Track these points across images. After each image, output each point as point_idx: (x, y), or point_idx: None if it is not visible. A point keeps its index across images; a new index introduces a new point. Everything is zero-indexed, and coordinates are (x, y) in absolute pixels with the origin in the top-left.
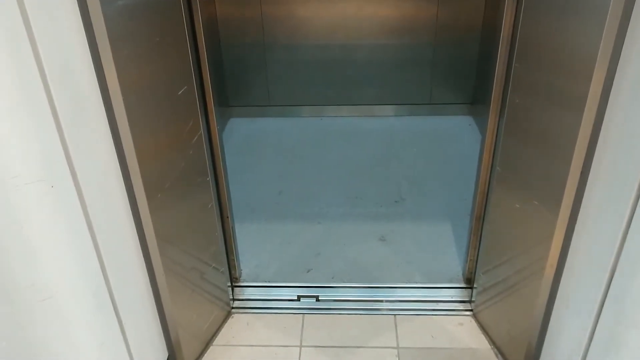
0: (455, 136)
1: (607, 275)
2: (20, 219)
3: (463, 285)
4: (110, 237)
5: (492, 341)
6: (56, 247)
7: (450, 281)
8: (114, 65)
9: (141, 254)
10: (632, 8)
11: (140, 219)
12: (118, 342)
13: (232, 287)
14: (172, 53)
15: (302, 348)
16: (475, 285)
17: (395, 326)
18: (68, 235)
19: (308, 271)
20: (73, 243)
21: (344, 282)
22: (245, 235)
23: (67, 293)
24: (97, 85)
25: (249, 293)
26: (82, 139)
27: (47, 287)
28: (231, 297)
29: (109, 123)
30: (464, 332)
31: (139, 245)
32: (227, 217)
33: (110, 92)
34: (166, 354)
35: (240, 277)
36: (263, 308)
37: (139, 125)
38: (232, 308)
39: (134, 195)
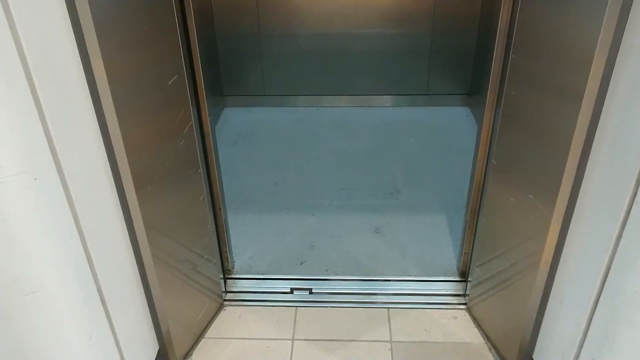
0: (452, 127)
1: (602, 271)
2: (3, 212)
3: (457, 278)
4: (97, 229)
5: (485, 335)
6: (40, 240)
7: (445, 274)
8: (100, 55)
9: (130, 246)
10: None
11: (129, 211)
12: (106, 336)
13: (225, 279)
14: (161, 42)
15: (295, 341)
16: (469, 279)
17: (389, 320)
18: (53, 228)
19: (302, 263)
20: (58, 236)
21: (337, 274)
22: (239, 227)
23: (52, 287)
24: (84, 75)
25: (242, 285)
26: (68, 130)
27: (31, 281)
28: (223, 289)
29: (96, 114)
30: (457, 325)
31: (128, 237)
32: (220, 208)
33: (97, 82)
34: (157, 347)
35: (232, 269)
36: (256, 300)
37: (127, 115)
38: (225, 300)
39: (123, 187)
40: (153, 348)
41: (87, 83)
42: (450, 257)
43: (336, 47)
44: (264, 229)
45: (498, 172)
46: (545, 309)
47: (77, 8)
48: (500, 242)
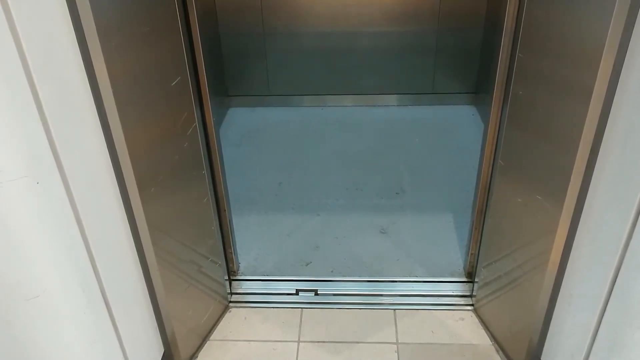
0: (458, 126)
1: (611, 272)
2: (4, 217)
3: (464, 279)
4: (100, 233)
5: (493, 337)
6: (43, 244)
7: (451, 275)
8: (102, 56)
9: (134, 249)
10: None
11: (132, 214)
12: (110, 339)
13: (230, 280)
14: (164, 43)
15: (300, 343)
16: (476, 280)
17: (395, 321)
18: (55, 231)
19: (307, 264)
20: (61, 240)
21: (343, 275)
22: (244, 228)
23: (55, 290)
24: (86, 77)
25: (247, 287)
26: (70, 133)
27: (34, 285)
28: (229, 290)
29: (99, 116)
30: (464, 327)
31: (132, 240)
32: (224, 210)
33: (99, 84)
34: (162, 350)
35: (238, 270)
36: (261, 302)
37: (130, 117)
38: (230, 302)
39: (126, 190)
40: (158, 350)
41: (90, 85)
42: (456, 257)
43: (341, 46)
44: (268, 230)
45: (505, 172)
46: (553, 311)
47: (79, 9)
48: (507, 242)
